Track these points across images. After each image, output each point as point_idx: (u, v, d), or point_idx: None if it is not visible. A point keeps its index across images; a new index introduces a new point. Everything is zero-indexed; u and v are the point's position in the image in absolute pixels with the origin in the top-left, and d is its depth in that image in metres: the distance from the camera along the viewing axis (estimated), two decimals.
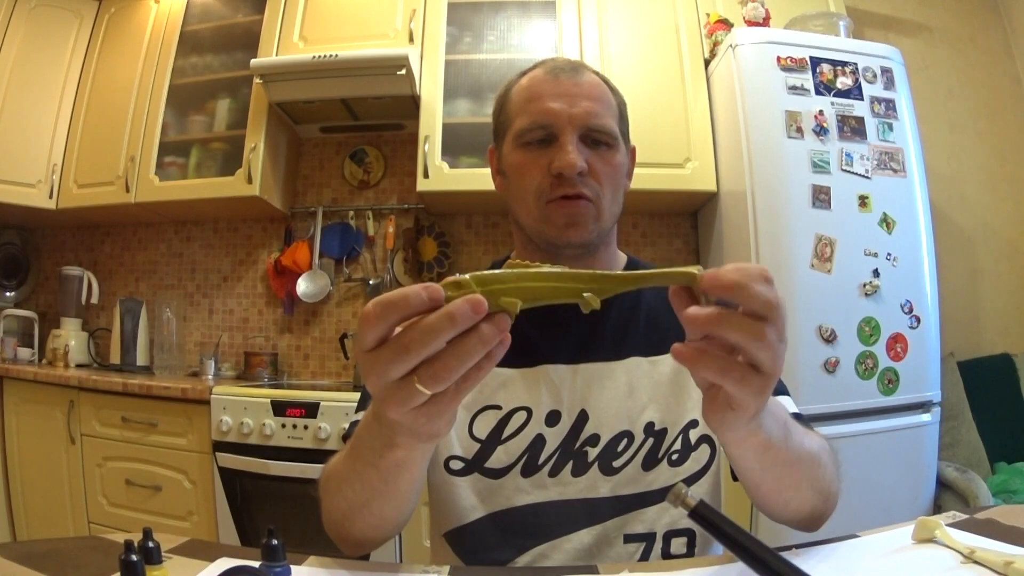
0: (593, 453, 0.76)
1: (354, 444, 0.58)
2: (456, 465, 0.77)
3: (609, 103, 0.80)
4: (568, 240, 0.77)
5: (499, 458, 0.76)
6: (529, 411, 0.77)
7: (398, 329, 0.42)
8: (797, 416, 0.75)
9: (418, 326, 0.40)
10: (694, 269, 0.45)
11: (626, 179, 0.84)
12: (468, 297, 0.40)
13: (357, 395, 0.89)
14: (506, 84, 0.86)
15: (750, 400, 0.46)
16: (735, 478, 0.69)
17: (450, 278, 0.42)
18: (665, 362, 0.79)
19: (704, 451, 0.77)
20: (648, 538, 0.74)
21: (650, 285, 0.46)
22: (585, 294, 0.44)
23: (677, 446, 0.76)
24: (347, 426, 0.75)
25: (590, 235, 0.78)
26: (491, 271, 0.43)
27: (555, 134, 0.77)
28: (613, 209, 0.80)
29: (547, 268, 0.44)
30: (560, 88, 0.78)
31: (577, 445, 0.76)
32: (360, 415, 0.74)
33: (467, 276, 0.42)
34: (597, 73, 0.83)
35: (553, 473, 0.75)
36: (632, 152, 0.87)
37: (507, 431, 0.76)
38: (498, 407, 0.77)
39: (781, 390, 0.79)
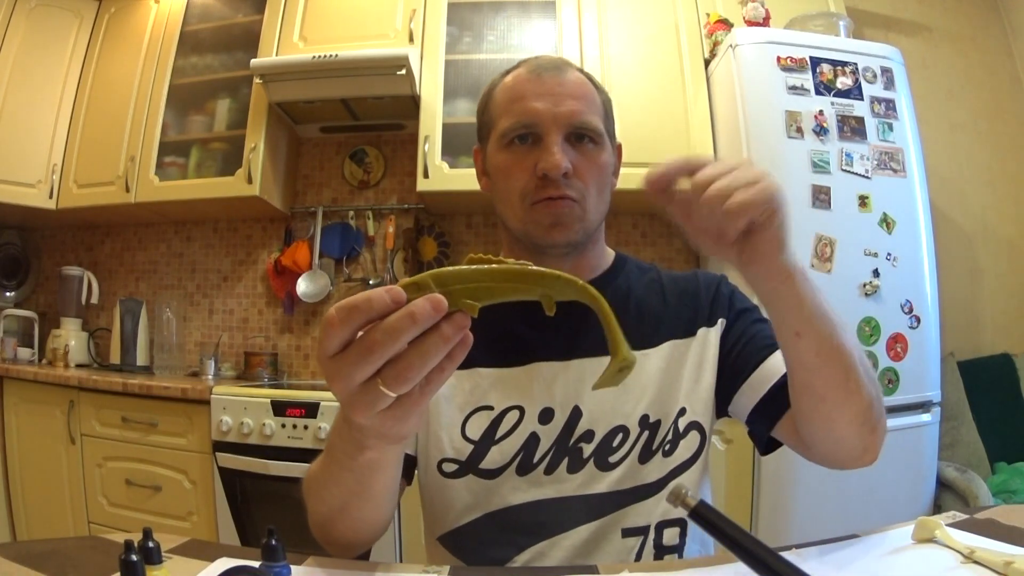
0: (588, 449, 0.76)
1: (328, 448, 0.59)
2: (449, 468, 0.77)
3: (594, 101, 0.80)
4: (553, 240, 0.77)
5: (493, 458, 0.76)
6: (522, 410, 0.76)
7: (360, 333, 0.42)
8: None
9: (380, 327, 0.40)
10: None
11: (612, 177, 0.83)
12: (428, 296, 0.40)
13: None
14: (490, 83, 0.85)
15: (764, 209, 0.54)
16: (766, 451, 0.75)
17: (408, 279, 0.42)
18: (656, 355, 0.79)
19: (694, 438, 0.77)
20: (643, 531, 0.75)
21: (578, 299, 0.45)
22: (540, 296, 0.44)
23: (669, 436, 0.77)
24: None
25: (575, 235, 0.77)
26: (451, 268, 0.43)
27: (540, 134, 0.76)
28: (599, 208, 0.79)
29: (508, 265, 0.43)
30: (544, 87, 0.77)
31: (571, 442, 0.76)
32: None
33: (426, 275, 0.42)
34: (582, 71, 0.83)
35: (549, 471, 0.75)
36: (618, 149, 0.86)
37: (500, 431, 0.76)
38: (490, 407, 0.77)
39: None
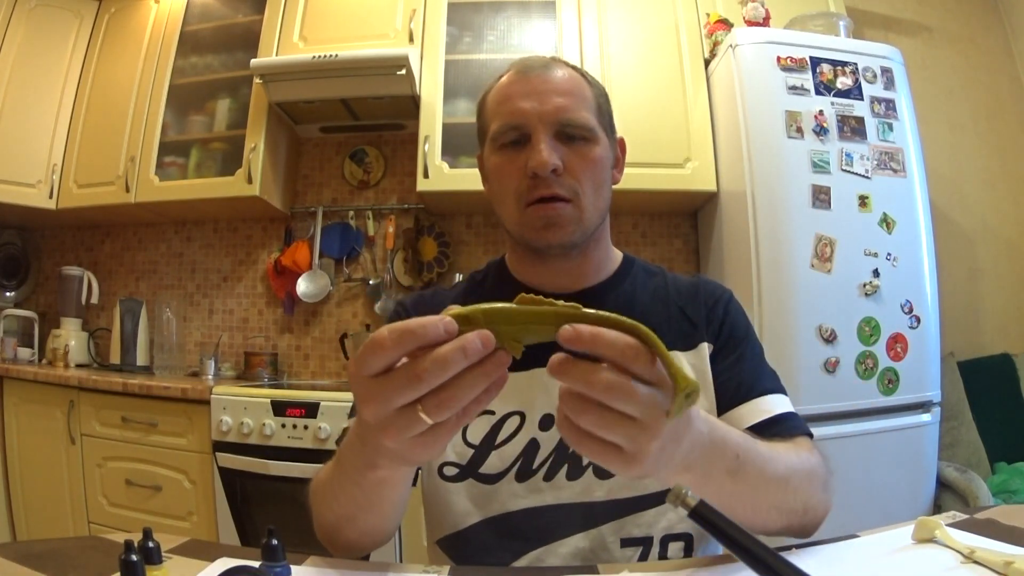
0: None
1: (338, 460, 0.59)
2: (450, 471, 0.77)
3: (583, 96, 0.78)
4: (548, 242, 0.76)
5: (493, 464, 0.75)
6: (523, 415, 0.76)
7: (402, 359, 0.42)
8: (787, 416, 0.74)
9: (432, 357, 0.40)
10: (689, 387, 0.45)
11: (612, 172, 0.82)
12: (479, 332, 0.41)
13: None
14: (485, 88, 0.85)
15: (631, 446, 0.45)
16: None
17: (459, 310, 0.42)
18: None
19: None
20: (645, 542, 0.74)
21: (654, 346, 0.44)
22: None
23: None
24: (342, 431, 0.75)
25: (571, 236, 0.76)
26: (502, 306, 0.43)
27: (528, 134, 0.76)
28: (597, 205, 0.78)
29: (559, 307, 0.43)
30: (530, 86, 0.77)
31: (571, 449, 0.75)
32: (351, 422, 0.74)
33: (477, 309, 0.42)
34: (574, 67, 0.82)
35: (548, 477, 0.75)
36: (620, 143, 0.85)
37: (500, 436, 0.76)
38: (491, 412, 0.77)
39: (775, 388, 0.78)
